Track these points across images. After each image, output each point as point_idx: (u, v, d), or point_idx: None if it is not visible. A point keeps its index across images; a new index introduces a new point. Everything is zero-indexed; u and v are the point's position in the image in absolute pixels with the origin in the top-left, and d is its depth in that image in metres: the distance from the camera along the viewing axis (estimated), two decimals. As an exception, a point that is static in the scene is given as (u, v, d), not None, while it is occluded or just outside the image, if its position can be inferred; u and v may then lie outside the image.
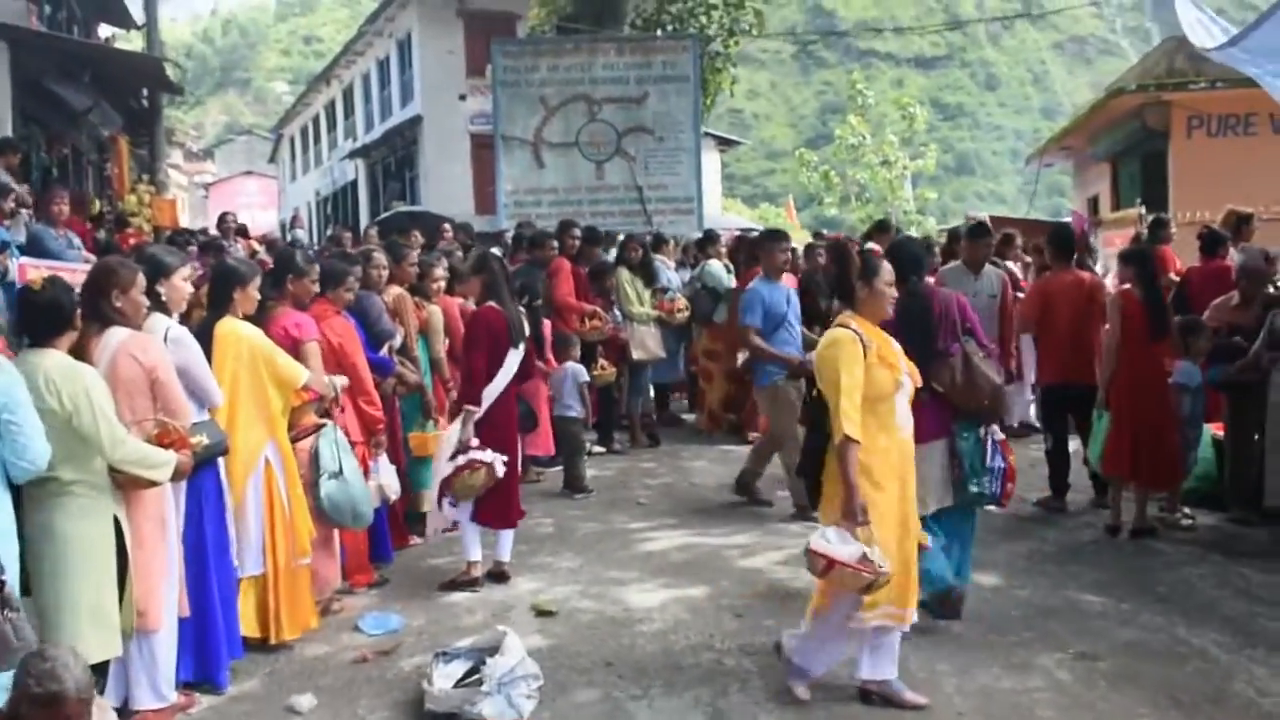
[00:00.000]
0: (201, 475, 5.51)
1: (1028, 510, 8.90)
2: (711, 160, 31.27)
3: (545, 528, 8.75)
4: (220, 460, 5.69)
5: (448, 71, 31.41)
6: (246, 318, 6.20)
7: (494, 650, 5.50)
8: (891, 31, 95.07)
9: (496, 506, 7.29)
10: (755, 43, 26.93)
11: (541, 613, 6.73)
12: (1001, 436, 6.23)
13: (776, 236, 9.73)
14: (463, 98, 30.79)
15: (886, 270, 5.40)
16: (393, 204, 30.71)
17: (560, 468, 10.20)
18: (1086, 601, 6.79)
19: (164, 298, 5.58)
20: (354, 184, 40.78)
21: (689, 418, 13.34)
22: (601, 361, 10.93)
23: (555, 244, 11.51)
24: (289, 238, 18.34)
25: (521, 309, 7.80)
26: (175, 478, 5.09)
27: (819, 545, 4.94)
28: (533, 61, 18.76)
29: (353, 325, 7.17)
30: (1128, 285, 8.28)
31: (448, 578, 7.35)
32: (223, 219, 17.34)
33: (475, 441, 7.03)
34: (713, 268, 12.33)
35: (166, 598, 5.25)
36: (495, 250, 13.03)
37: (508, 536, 7.43)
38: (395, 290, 8.49)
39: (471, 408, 7.11)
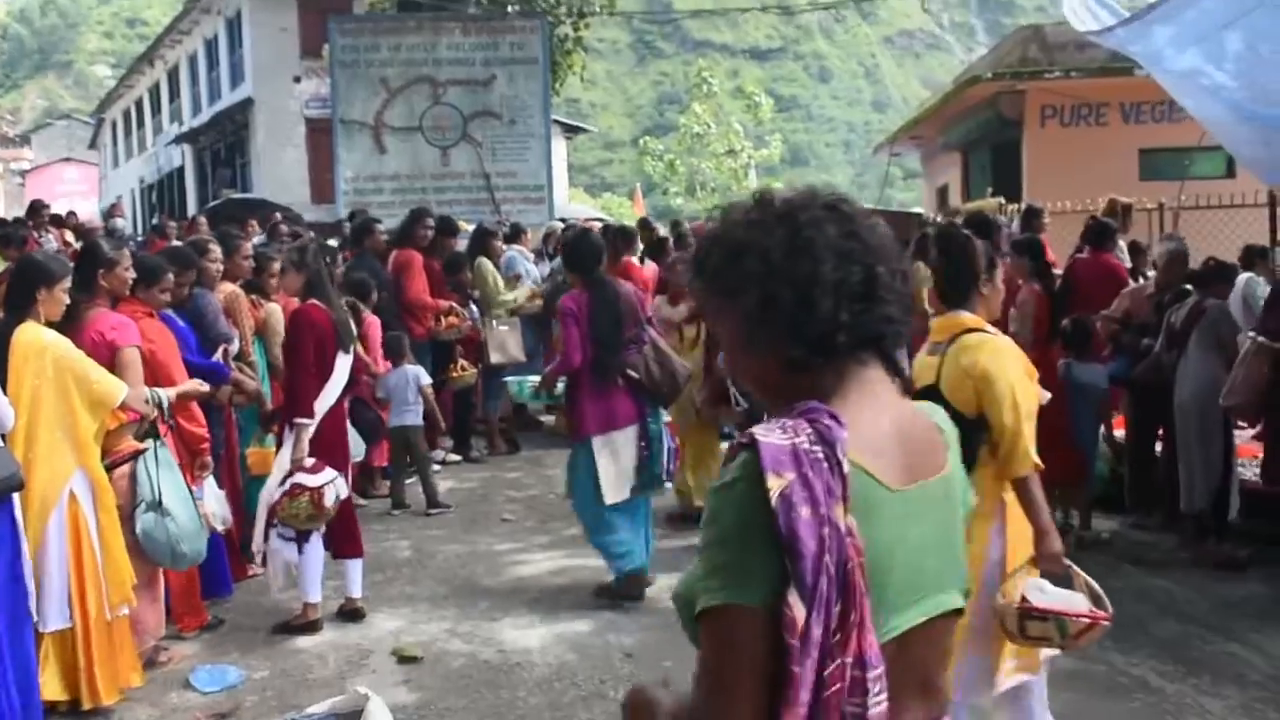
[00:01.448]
0: (-11, 516, 4.56)
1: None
2: (558, 147, 30.43)
3: (401, 551, 7.87)
4: (14, 496, 4.72)
5: (280, 52, 29.91)
6: (52, 324, 5.23)
7: (354, 716, 4.65)
8: (725, 20, 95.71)
9: (342, 532, 6.42)
10: (592, 31, 26.21)
11: (405, 658, 5.86)
12: (669, 419, 6.90)
13: None
14: (297, 80, 29.33)
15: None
16: (222, 192, 29.11)
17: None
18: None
19: (-57, 301, 4.60)
20: (181, 171, 38.76)
21: (547, 420, 12.48)
22: (461, 362, 10.05)
23: (384, 232, 10.61)
24: (108, 227, 16.99)
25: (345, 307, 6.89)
26: (-45, 523, 4.12)
27: (1048, 602, 3.94)
28: (373, 40, 17.88)
29: (169, 329, 6.15)
30: (1030, 281, 7.77)
31: (284, 619, 6.41)
32: (35, 207, 15.98)
33: (310, 462, 6.09)
34: (576, 260, 11.53)
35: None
36: (332, 242, 12.12)
37: (356, 568, 6.54)
38: (228, 287, 7.52)
39: (304, 420, 6.15)
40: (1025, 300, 7.64)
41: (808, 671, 1.54)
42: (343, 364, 6.33)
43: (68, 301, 5.24)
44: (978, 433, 4.02)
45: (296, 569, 6.26)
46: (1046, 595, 3.94)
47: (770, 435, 1.63)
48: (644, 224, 13.71)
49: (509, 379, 8.94)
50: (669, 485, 7.52)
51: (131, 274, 5.85)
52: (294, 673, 5.74)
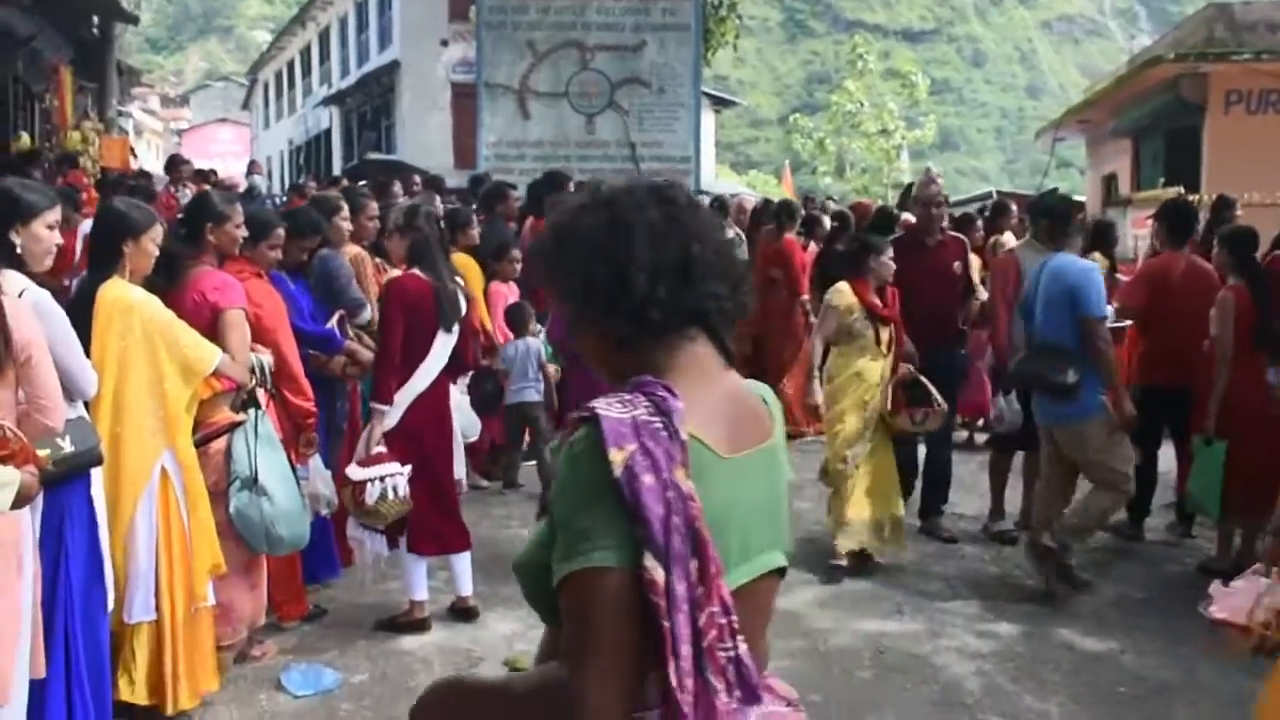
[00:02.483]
0: (66, 492, 4.04)
1: (1096, 537, 7.48)
2: (707, 120, 29.63)
3: (523, 541, 7.25)
4: (94, 473, 4.21)
5: (429, 14, 29.60)
6: (151, 282, 4.70)
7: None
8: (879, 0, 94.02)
9: (424, 528, 5.67)
10: (743, 7, 25.43)
11: (517, 669, 5.26)
12: None
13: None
14: (444, 43, 29.01)
15: None
16: (367, 154, 29.03)
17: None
18: (1211, 673, 5.35)
19: (20, 249, 4.07)
20: (328, 133, 38.91)
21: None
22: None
23: (517, 197, 9.95)
24: (246, 184, 16.78)
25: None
26: (17, 504, 3.59)
27: None
28: (521, 2, 17.31)
29: (279, 291, 5.62)
30: (1233, 278, 6.85)
31: (389, 614, 5.85)
32: (173, 161, 15.74)
33: (379, 449, 5.45)
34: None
35: (17, 660, 3.77)
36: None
37: (463, 563, 5.87)
38: (353, 249, 6.97)
39: (380, 406, 5.52)
40: (1225, 299, 6.71)
41: (682, 626, 1.65)
42: (442, 344, 5.67)
43: (156, 253, 4.68)
44: None
45: (385, 561, 5.69)
46: None
47: (610, 409, 1.74)
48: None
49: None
50: None
51: (242, 231, 5.30)
52: (395, 678, 5.17)
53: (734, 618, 1.71)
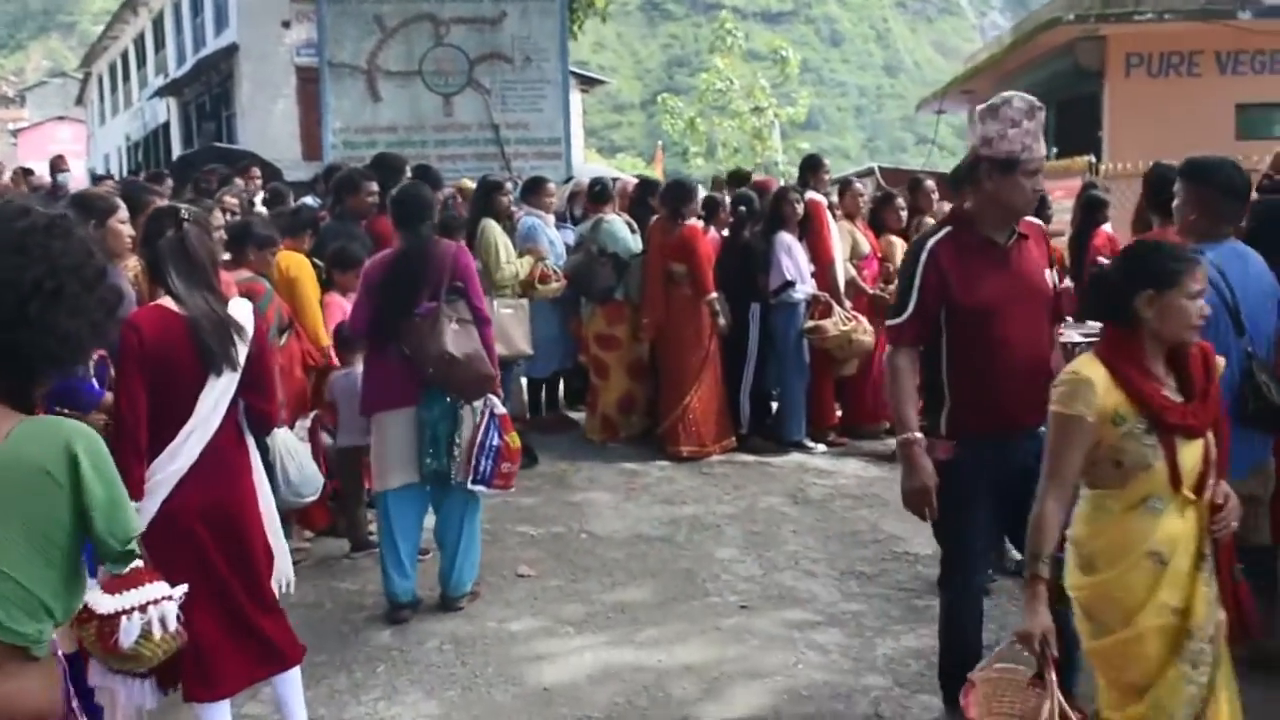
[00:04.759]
0: None
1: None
2: (575, 101, 28.04)
3: (378, 633, 5.57)
4: None
5: (268, -8, 27.51)
6: None
7: None
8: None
9: (211, 664, 3.94)
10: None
11: None
12: (502, 412, 5.75)
13: None
14: (286, 24, 26.95)
15: None
16: (211, 143, 26.87)
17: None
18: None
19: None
20: (166, 126, 36.36)
21: (580, 417, 10.10)
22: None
23: (374, 189, 8.21)
24: (54, 182, 14.78)
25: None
26: None
27: None
28: (367, -29, 15.58)
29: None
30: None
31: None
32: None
33: (131, 567, 2.93)
34: (612, 226, 9.15)
35: None
36: (309, 200, 9.92)
37: (290, 683, 4.23)
38: (137, 264, 5.26)
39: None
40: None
41: None
42: (213, 395, 3.99)
43: None
44: None
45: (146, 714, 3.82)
46: None
47: None
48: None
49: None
50: (478, 487, 5.69)
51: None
52: None
53: None
